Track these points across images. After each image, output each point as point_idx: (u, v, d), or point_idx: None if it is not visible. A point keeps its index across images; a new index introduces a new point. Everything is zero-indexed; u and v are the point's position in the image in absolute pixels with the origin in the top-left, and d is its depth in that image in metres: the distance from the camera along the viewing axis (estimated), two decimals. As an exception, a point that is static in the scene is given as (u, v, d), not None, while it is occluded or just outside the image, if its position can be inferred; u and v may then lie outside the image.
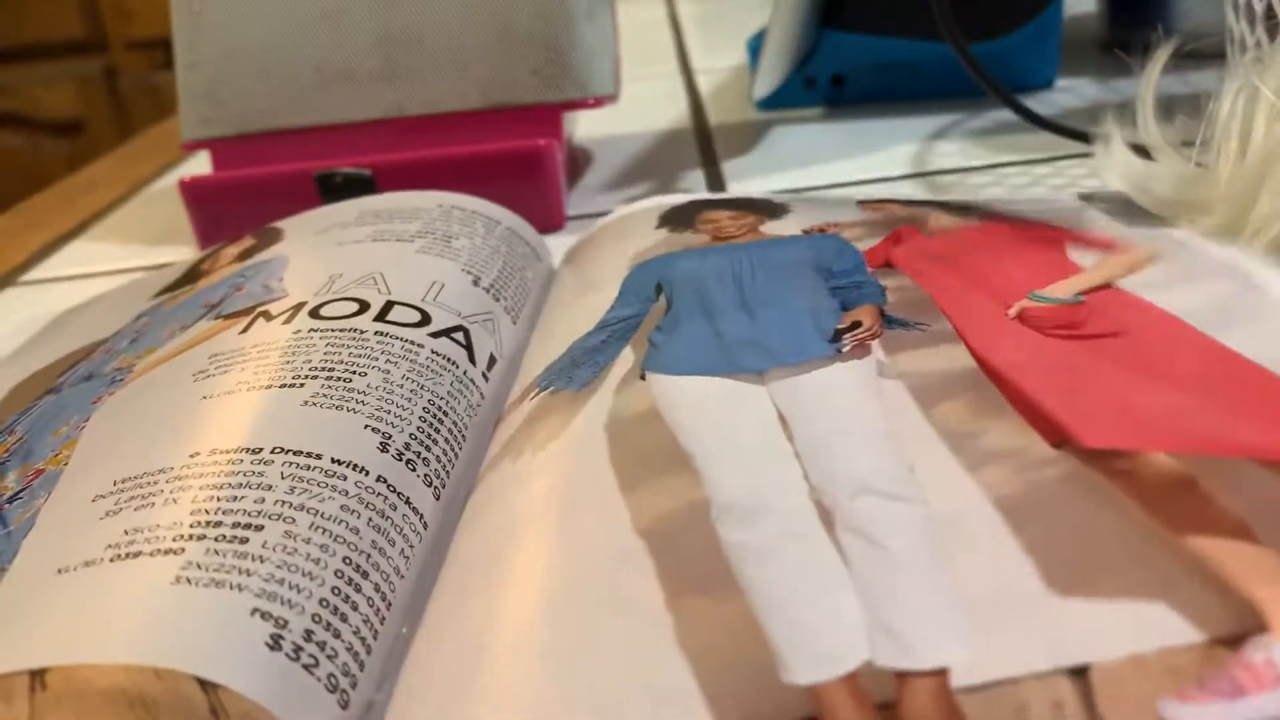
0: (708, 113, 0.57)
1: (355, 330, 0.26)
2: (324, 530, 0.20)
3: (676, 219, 0.33)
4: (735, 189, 0.44)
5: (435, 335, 0.27)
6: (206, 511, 0.20)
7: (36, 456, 0.24)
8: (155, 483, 0.21)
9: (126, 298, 0.34)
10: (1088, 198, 0.35)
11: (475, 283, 0.30)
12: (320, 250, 0.32)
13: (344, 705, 0.18)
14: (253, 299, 0.29)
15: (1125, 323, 0.24)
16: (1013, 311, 0.25)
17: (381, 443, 0.23)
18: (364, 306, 0.27)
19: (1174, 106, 0.34)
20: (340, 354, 0.25)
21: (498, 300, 0.30)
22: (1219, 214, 0.30)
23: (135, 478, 0.21)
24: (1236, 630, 0.15)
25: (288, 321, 0.26)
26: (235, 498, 0.20)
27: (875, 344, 0.24)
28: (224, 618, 0.18)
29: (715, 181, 0.46)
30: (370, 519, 0.21)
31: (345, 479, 0.21)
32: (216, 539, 0.19)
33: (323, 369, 0.24)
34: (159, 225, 0.50)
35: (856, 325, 0.25)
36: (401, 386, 0.24)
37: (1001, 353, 0.23)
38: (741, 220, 0.32)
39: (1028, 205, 0.35)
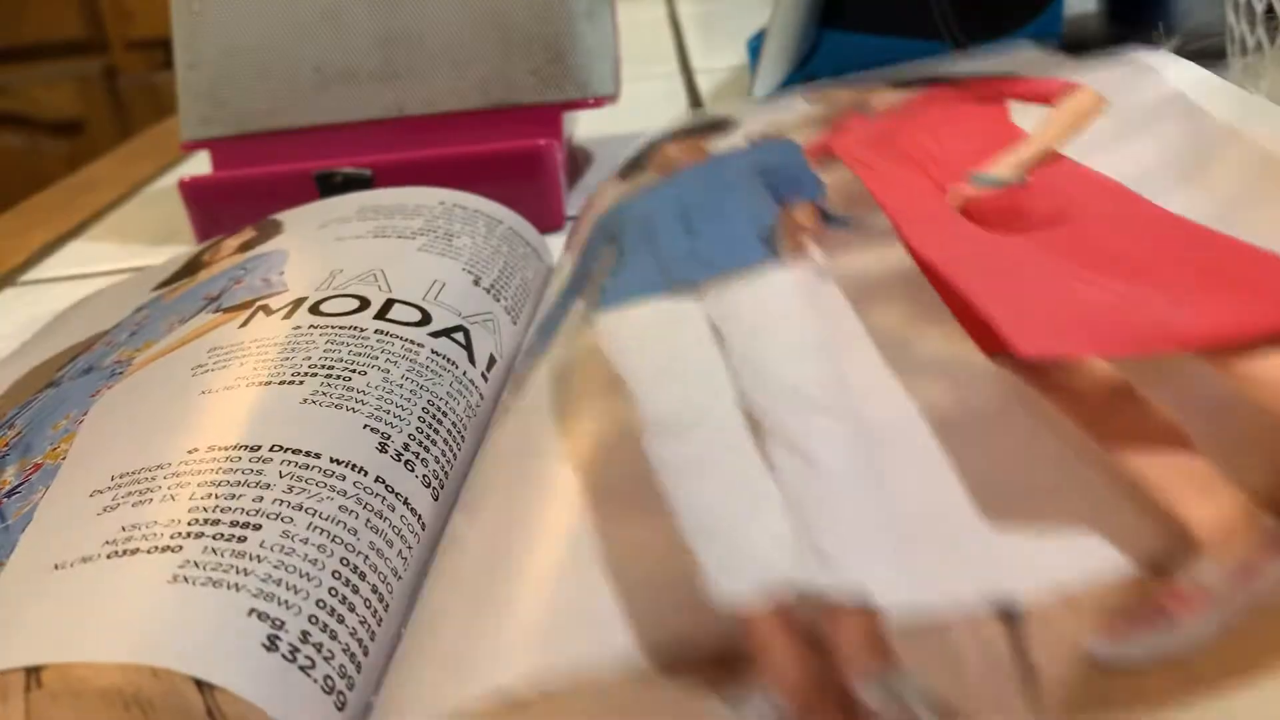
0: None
1: (355, 328, 0.26)
2: (322, 530, 0.20)
3: (631, 165, 0.33)
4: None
5: (435, 335, 0.27)
6: (204, 509, 0.20)
7: (35, 451, 0.24)
8: (153, 478, 0.21)
9: (127, 291, 0.34)
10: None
11: (476, 282, 0.30)
12: (321, 245, 0.31)
13: (340, 707, 0.18)
14: (252, 293, 0.29)
15: (1068, 203, 0.23)
16: (953, 201, 0.24)
17: (380, 443, 0.22)
18: (364, 304, 0.27)
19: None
20: (340, 351, 0.25)
21: (498, 300, 0.30)
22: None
23: (133, 473, 0.21)
24: (1168, 554, 0.15)
25: (287, 317, 0.26)
26: (233, 495, 0.20)
27: (813, 245, 0.23)
28: (221, 618, 0.18)
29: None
30: (368, 520, 0.21)
31: (344, 479, 0.21)
32: (214, 537, 0.19)
33: (322, 366, 0.24)
34: (159, 225, 0.50)
35: (793, 227, 0.24)
36: (401, 386, 0.24)
37: (940, 249, 0.22)
38: (685, 145, 0.32)
39: (968, 64, 0.34)
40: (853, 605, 0.15)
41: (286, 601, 0.18)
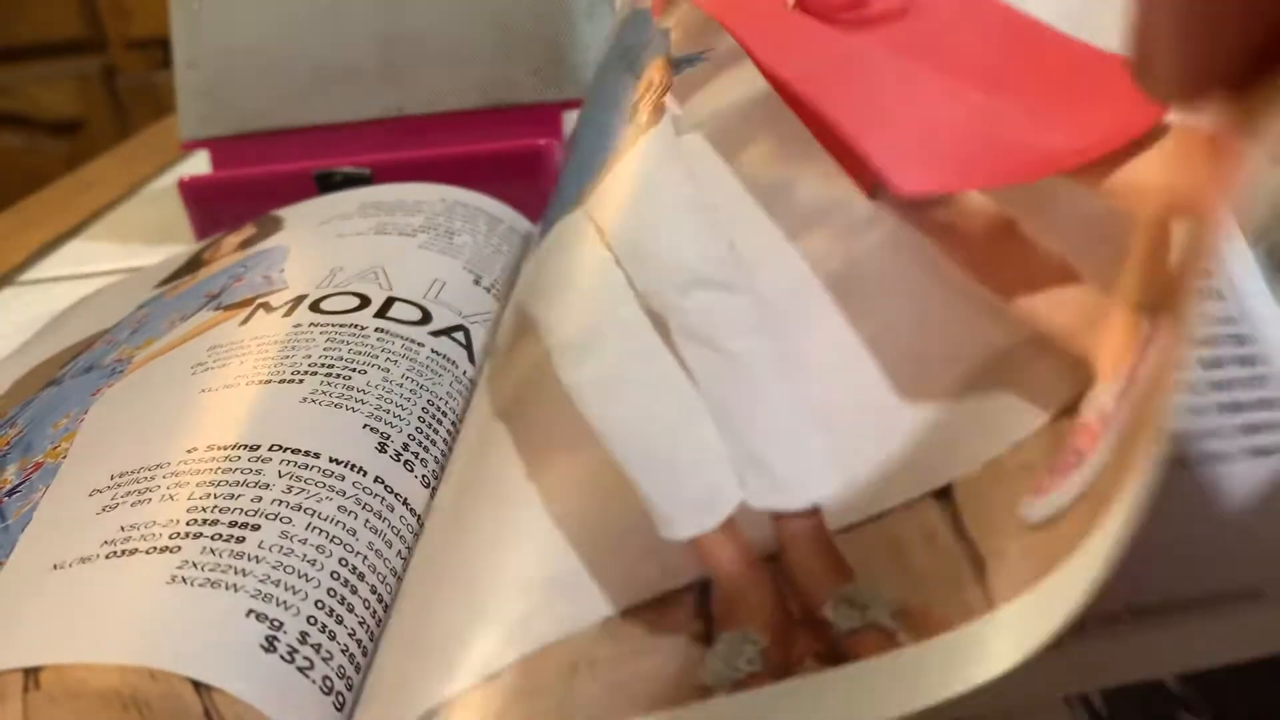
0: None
1: (356, 326, 0.26)
2: (321, 531, 0.20)
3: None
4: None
5: (436, 334, 0.26)
6: (203, 509, 0.20)
7: (36, 449, 0.23)
8: (152, 478, 0.21)
9: (129, 288, 0.34)
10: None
11: (476, 281, 0.30)
12: (321, 241, 0.31)
13: (339, 708, 0.18)
14: (253, 290, 0.28)
15: None
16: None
17: (380, 443, 0.22)
18: (365, 301, 0.27)
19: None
20: (340, 350, 0.25)
21: (498, 300, 0.30)
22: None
23: (132, 472, 0.21)
24: (1074, 394, 0.14)
25: (288, 314, 0.26)
26: (232, 495, 0.20)
27: (669, 98, 0.22)
28: (219, 618, 0.17)
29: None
30: (367, 520, 0.20)
31: (343, 479, 0.21)
32: (213, 537, 0.19)
33: (322, 365, 0.24)
34: (158, 225, 0.49)
35: (647, 89, 0.23)
36: (401, 385, 0.24)
37: (790, 61, 0.21)
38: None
39: None
40: (799, 514, 0.15)
41: (285, 602, 0.18)
